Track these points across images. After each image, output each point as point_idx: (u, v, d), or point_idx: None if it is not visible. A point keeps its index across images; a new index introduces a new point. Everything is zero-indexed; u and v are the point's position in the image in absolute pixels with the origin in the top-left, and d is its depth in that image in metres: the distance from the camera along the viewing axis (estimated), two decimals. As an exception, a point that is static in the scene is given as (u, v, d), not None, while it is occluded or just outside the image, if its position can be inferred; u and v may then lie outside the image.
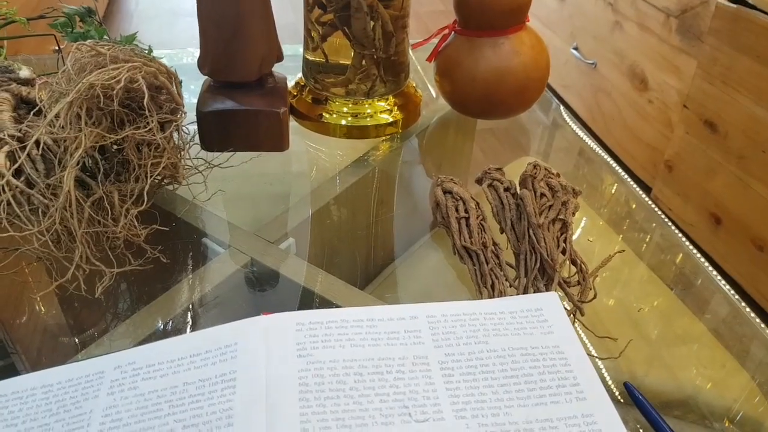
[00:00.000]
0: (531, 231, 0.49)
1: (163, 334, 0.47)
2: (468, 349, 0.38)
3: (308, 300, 0.51)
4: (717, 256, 1.34)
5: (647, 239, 0.61)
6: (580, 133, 0.76)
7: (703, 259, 0.58)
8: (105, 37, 0.59)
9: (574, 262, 0.48)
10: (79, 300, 0.47)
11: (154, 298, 0.50)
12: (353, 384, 0.34)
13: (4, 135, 0.47)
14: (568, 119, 0.79)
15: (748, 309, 0.52)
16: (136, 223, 0.46)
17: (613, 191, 0.68)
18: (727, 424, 0.41)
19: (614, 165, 0.71)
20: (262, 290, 0.53)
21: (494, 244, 0.50)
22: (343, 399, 0.34)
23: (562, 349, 0.38)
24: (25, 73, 0.55)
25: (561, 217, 0.51)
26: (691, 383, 0.46)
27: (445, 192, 0.54)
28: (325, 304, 0.50)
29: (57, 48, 0.58)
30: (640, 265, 0.57)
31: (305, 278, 0.53)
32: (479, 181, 0.57)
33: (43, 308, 0.49)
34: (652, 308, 0.52)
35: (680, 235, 0.60)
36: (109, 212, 0.46)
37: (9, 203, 0.44)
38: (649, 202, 0.65)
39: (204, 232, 0.57)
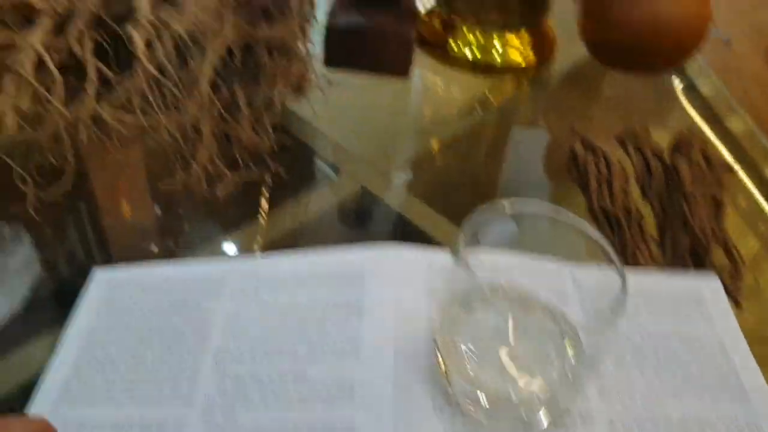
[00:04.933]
0: (683, 203, 0.44)
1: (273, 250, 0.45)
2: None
3: (413, 236, 0.48)
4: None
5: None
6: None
7: None
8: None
9: (726, 248, 0.44)
10: (193, 202, 0.46)
11: (259, 214, 0.48)
12: (481, 335, 0.32)
13: (143, 19, 0.45)
14: (681, 99, 0.71)
15: None
16: (268, 130, 0.44)
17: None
18: None
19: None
20: (368, 220, 0.51)
21: (638, 211, 0.45)
22: (469, 338, 0.31)
23: (723, 341, 0.34)
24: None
25: (716, 194, 0.46)
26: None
27: (585, 147, 0.49)
28: (427, 240, 0.47)
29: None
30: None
31: (411, 213, 0.50)
32: (621, 140, 0.52)
33: (158, 204, 0.48)
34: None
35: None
36: (239, 115, 0.44)
37: (143, 91, 0.43)
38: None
39: (316, 153, 0.55)
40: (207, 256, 0.43)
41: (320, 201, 0.51)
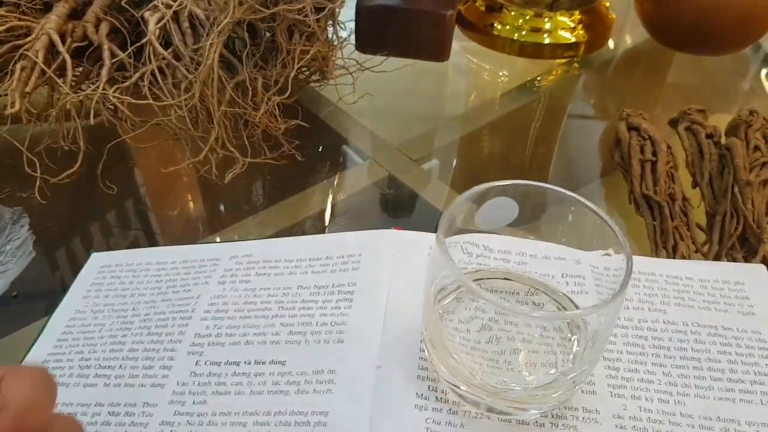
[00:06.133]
0: (736, 188, 0.39)
1: (288, 236, 0.43)
2: (639, 315, 0.30)
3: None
4: None
5: None
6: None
7: None
8: None
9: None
10: (208, 187, 0.45)
11: (284, 198, 0.47)
12: (473, 323, 0.29)
13: (158, 2, 0.44)
14: (755, 81, 0.64)
15: None
16: (276, 113, 0.42)
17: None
18: None
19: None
20: (395, 208, 0.48)
21: (684, 198, 0.40)
22: (460, 326, 0.28)
23: (764, 337, 0.29)
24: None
25: (777, 178, 0.40)
26: None
27: (630, 128, 0.45)
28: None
29: None
30: None
31: (444, 203, 0.47)
32: (674, 123, 0.47)
33: (171, 188, 0.47)
34: None
35: None
36: (250, 97, 0.42)
37: (153, 73, 0.42)
38: None
39: (344, 139, 0.53)
40: (220, 239, 0.42)
41: (345, 187, 0.49)
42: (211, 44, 0.39)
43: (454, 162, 0.53)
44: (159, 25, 0.40)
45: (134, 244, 0.41)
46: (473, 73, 0.62)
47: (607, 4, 0.61)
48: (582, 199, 0.27)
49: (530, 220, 0.29)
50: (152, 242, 0.43)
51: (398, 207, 0.48)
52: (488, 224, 0.28)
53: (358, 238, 0.34)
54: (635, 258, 0.33)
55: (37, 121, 0.41)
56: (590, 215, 0.27)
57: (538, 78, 0.60)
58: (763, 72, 0.64)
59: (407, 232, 0.35)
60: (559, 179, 0.53)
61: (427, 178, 0.50)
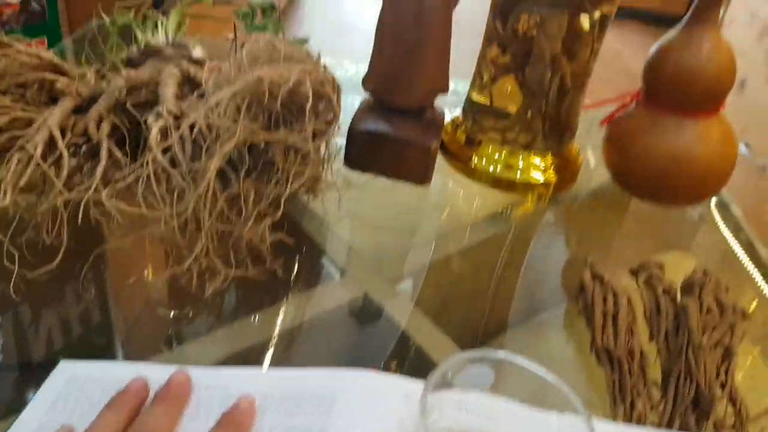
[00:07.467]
0: (690, 351, 0.42)
1: (261, 351, 0.44)
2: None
3: (408, 350, 0.47)
4: None
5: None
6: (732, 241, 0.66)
7: None
8: (280, 34, 0.58)
9: (733, 402, 0.41)
10: (186, 291, 0.45)
11: (259, 308, 0.47)
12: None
13: (163, 110, 0.46)
14: (720, 223, 0.69)
15: None
16: (267, 232, 0.43)
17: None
18: None
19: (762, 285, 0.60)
20: (366, 328, 0.49)
21: (642, 354, 0.43)
22: None
23: None
24: (197, 52, 0.55)
25: (726, 342, 0.43)
26: None
27: (594, 276, 0.48)
28: (424, 359, 0.45)
29: (233, 36, 0.58)
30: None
31: (412, 326, 0.49)
32: (634, 273, 0.50)
33: (150, 292, 0.47)
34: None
35: None
36: (243, 211, 0.44)
37: (149, 178, 0.43)
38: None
39: (323, 251, 0.55)
40: (194, 349, 0.42)
41: (318, 303, 0.50)
42: (212, 162, 0.41)
43: (424, 284, 0.55)
44: (164, 145, 0.41)
45: (104, 349, 0.41)
46: (451, 197, 0.65)
47: (578, 147, 0.66)
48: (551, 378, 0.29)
49: (502, 383, 0.31)
50: (123, 348, 0.42)
51: (368, 325, 0.49)
52: (467, 386, 0.30)
53: (332, 379, 0.34)
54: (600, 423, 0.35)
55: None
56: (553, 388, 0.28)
57: (510, 208, 0.63)
58: (713, 201, 0.69)
59: (382, 374, 0.35)
60: (522, 305, 0.55)
61: (401, 301, 0.51)
